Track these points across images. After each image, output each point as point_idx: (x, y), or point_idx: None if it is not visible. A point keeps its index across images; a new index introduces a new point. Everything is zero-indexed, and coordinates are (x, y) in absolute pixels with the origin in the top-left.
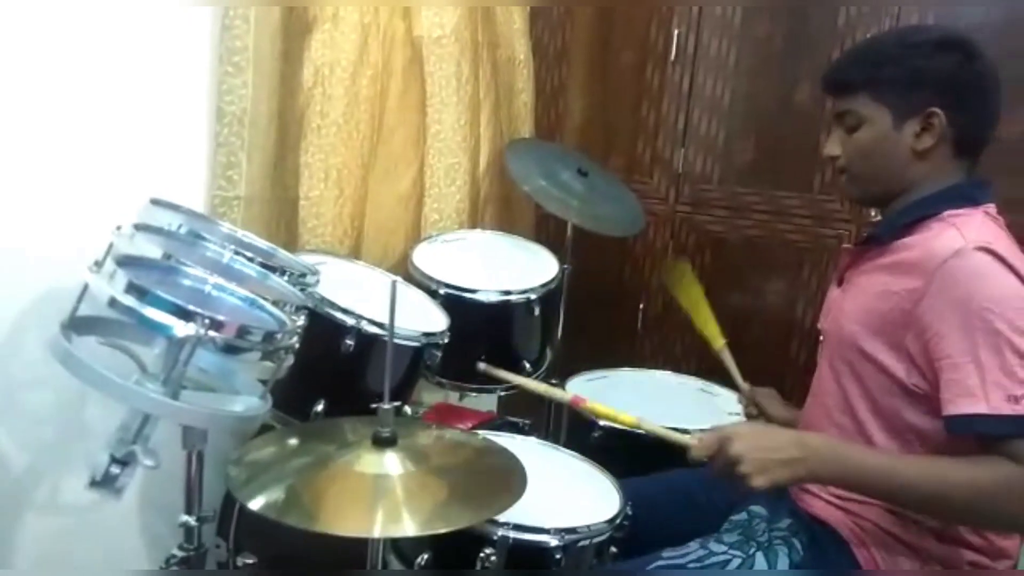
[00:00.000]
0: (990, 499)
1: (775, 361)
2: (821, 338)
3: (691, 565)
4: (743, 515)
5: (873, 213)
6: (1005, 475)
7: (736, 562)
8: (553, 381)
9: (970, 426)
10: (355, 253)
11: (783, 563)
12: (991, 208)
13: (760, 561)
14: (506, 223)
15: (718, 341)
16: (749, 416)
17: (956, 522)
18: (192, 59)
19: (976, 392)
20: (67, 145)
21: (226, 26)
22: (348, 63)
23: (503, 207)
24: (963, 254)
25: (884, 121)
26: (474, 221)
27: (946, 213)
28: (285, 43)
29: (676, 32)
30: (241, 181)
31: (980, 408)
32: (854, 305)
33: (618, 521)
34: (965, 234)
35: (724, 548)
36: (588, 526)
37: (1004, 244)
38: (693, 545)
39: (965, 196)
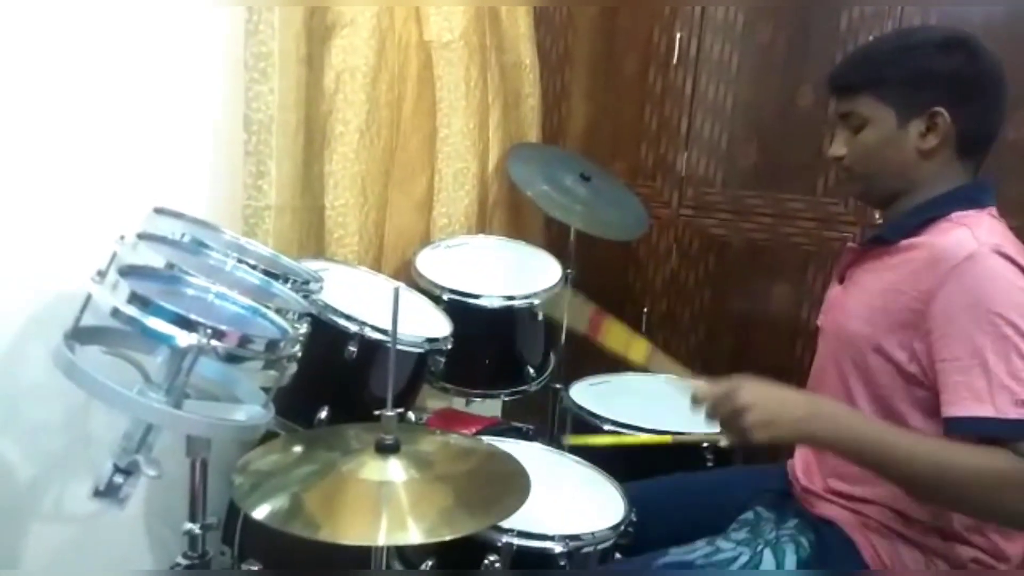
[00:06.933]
0: (989, 487)
1: (780, 364)
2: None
3: (699, 562)
4: (750, 514)
5: (877, 215)
6: (1010, 466)
7: (744, 558)
8: (557, 386)
9: (974, 428)
10: (377, 263)
11: (791, 560)
12: (994, 211)
13: (768, 558)
14: (515, 228)
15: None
16: None
17: (949, 507)
18: (209, 65)
19: (983, 395)
20: (73, 154)
21: (250, 31)
22: (368, 68)
23: (512, 212)
24: (977, 257)
25: (888, 121)
26: (482, 226)
27: (954, 215)
28: (308, 47)
29: (678, 36)
30: (271, 190)
31: (987, 411)
32: (858, 303)
33: (623, 528)
34: (977, 235)
35: (732, 545)
36: (592, 533)
37: (1013, 247)
38: (700, 543)
39: (971, 199)
